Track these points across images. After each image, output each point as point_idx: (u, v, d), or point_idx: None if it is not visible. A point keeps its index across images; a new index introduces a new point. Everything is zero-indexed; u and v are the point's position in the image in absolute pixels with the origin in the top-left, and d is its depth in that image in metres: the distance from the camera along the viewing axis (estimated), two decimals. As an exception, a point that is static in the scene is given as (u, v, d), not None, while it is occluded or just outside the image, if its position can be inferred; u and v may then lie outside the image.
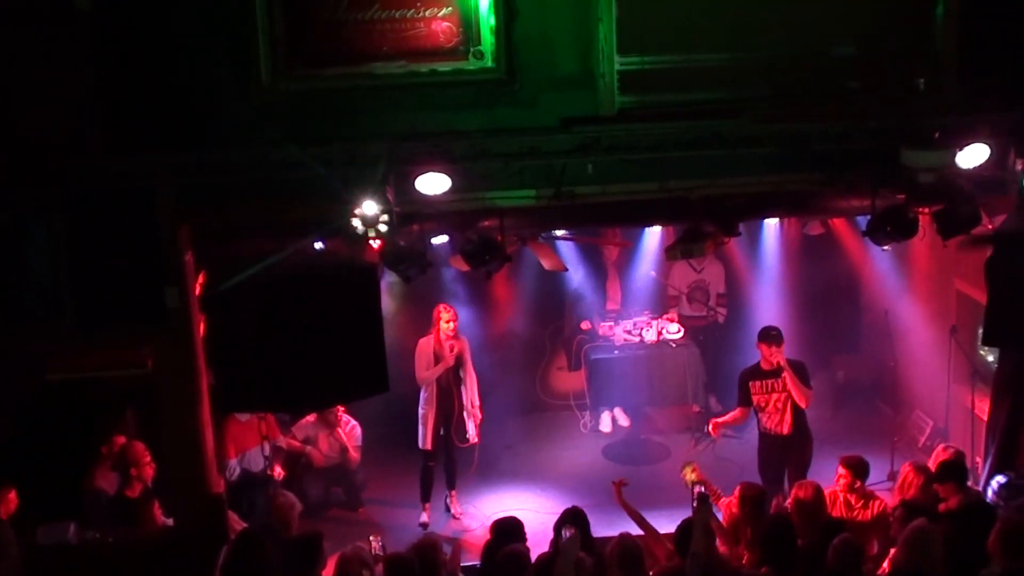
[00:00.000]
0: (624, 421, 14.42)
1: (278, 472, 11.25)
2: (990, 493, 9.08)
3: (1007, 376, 10.33)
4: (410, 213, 8.55)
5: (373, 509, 12.37)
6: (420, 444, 11.84)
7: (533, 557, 7.98)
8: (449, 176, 8.28)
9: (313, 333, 8.31)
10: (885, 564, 8.14)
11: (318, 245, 9.03)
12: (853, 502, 9.35)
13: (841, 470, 9.37)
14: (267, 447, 11.16)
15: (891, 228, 9.10)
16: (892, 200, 9.14)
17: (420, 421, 11.82)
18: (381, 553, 8.52)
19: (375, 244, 8.63)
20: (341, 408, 12.07)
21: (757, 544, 8.53)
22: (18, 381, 9.45)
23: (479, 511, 11.99)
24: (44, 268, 8.33)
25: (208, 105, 8.38)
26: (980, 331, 10.52)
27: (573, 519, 8.15)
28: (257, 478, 11.04)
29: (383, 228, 8.09)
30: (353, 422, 12.28)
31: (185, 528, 9.22)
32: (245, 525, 9.64)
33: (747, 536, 8.79)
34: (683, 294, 14.54)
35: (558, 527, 8.16)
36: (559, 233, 12.41)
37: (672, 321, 14.37)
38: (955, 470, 8.97)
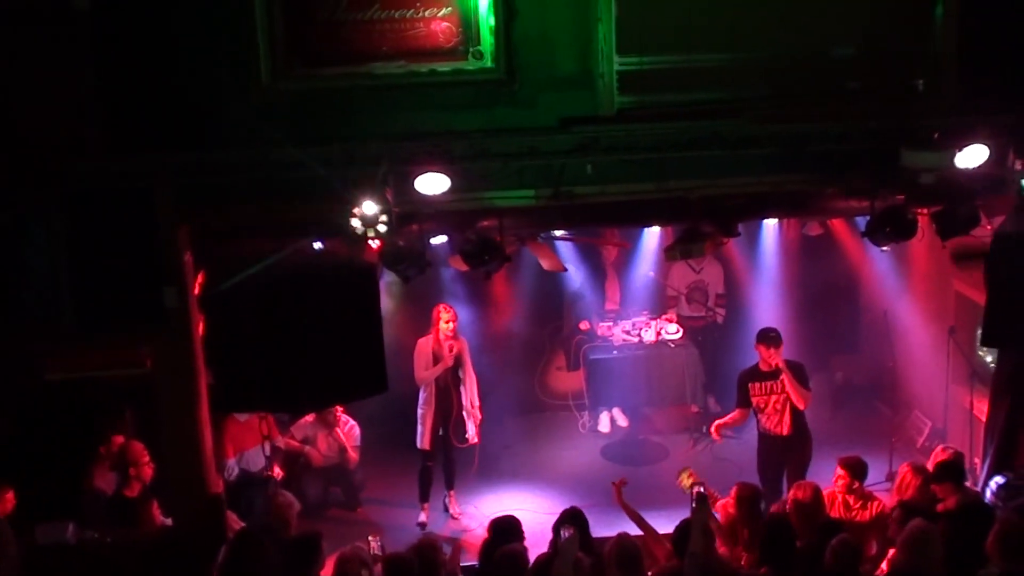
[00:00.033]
0: (623, 421, 14.43)
1: (276, 472, 11.24)
2: (988, 494, 9.08)
3: (1006, 377, 10.33)
4: (409, 213, 8.55)
5: (372, 509, 12.36)
6: (418, 444, 11.84)
7: (531, 557, 7.99)
8: (448, 176, 8.28)
9: (312, 333, 8.30)
10: (883, 565, 8.15)
11: (317, 245, 9.04)
12: (851, 503, 9.36)
13: (839, 471, 9.38)
14: (268, 447, 11.16)
15: (890, 229, 9.11)
16: (891, 201, 9.15)
17: (419, 421, 11.83)
18: (380, 553, 8.52)
19: (374, 244, 8.63)
20: (340, 408, 12.07)
21: (754, 544, 8.54)
22: (17, 381, 9.45)
23: (479, 511, 12.00)
24: (43, 268, 8.32)
25: (207, 105, 8.38)
26: (979, 332, 10.54)
27: (572, 520, 8.15)
28: (255, 478, 11.03)
29: (382, 228, 8.08)
30: (352, 422, 12.28)
31: (184, 528, 9.22)
32: (244, 525, 9.64)
33: (744, 536, 8.79)
34: (682, 294, 14.54)
35: (557, 527, 8.16)
36: (558, 233, 12.40)
37: (671, 321, 14.37)
38: (952, 470, 8.98)
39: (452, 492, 12.18)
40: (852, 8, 8.65)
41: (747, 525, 8.80)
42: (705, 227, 9.59)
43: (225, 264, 8.61)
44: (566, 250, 14.14)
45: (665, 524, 8.74)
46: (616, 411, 14.45)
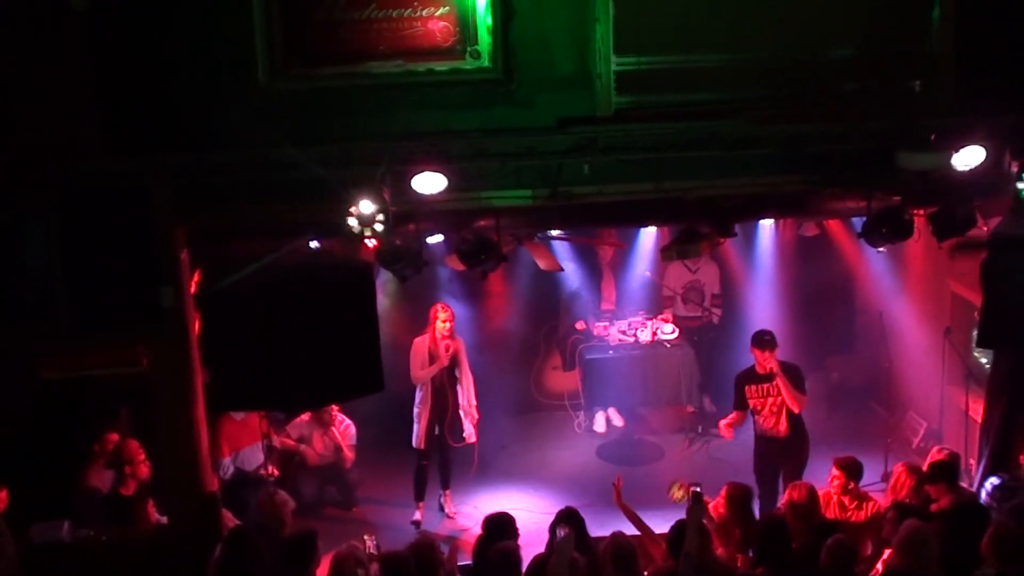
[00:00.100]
0: (618, 421, 14.42)
1: (272, 471, 11.24)
2: (984, 494, 9.09)
3: (1001, 378, 10.35)
4: (406, 212, 8.53)
5: (367, 508, 12.36)
6: (414, 443, 11.85)
7: (527, 556, 8.00)
8: (445, 176, 8.27)
9: (308, 332, 8.30)
10: (879, 565, 8.15)
11: (314, 244, 9.03)
12: (847, 503, 9.37)
13: (835, 471, 9.40)
14: (266, 445, 11.19)
15: (887, 230, 9.11)
16: (888, 202, 9.17)
17: (414, 420, 11.83)
18: (375, 552, 8.54)
19: (371, 243, 8.63)
20: (335, 407, 12.07)
21: (747, 544, 8.56)
22: (14, 379, 9.46)
23: (477, 511, 11.99)
24: (40, 267, 8.31)
25: (205, 105, 8.36)
26: (975, 333, 10.56)
27: (568, 519, 8.17)
28: (251, 477, 11.03)
29: (379, 227, 8.07)
30: (347, 421, 12.28)
31: (179, 527, 9.22)
32: (238, 523, 9.63)
33: (736, 537, 8.80)
34: (678, 294, 14.54)
35: (553, 528, 8.17)
36: (554, 233, 12.41)
37: (667, 321, 14.37)
38: (946, 471, 9.01)
39: (448, 491, 12.19)
40: (850, 9, 8.64)
41: (738, 525, 8.81)
42: (702, 227, 9.60)
43: (222, 263, 8.61)
44: (562, 250, 14.15)
45: (660, 524, 8.75)
46: (612, 411, 14.45)
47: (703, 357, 14.15)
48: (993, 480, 9.16)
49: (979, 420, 10.89)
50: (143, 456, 9.68)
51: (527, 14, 8.48)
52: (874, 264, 13.73)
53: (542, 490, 12.58)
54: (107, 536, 9.22)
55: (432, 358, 11.71)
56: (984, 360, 11.52)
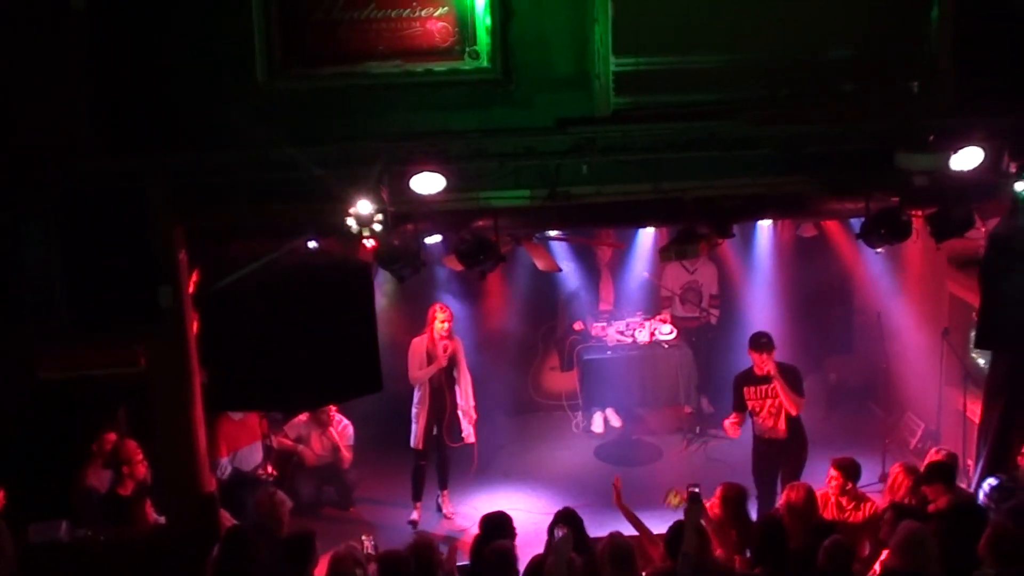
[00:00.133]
0: (616, 422, 14.43)
1: (269, 471, 11.24)
2: (982, 495, 9.08)
3: (999, 379, 10.35)
4: (405, 213, 8.53)
5: (365, 508, 12.37)
6: (412, 443, 11.85)
7: (525, 557, 8.00)
8: (444, 176, 8.27)
9: (307, 332, 8.29)
10: (876, 566, 8.15)
11: (312, 244, 9.03)
12: (844, 504, 9.38)
13: (832, 472, 9.40)
14: (266, 445, 11.20)
15: (885, 230, 9.11)
16: (886, 203, 9.16)
17: (412, 420, 11.83)
18: (373, 553, 8.55)
19: (369, 243, 8.63)
20: (333, 407, 12.07)
21: (743, 545, 8.55)
22: (12, 379, 9.44)
23: (475, 511, 11.98)
24: (39, 267, 8.29)
25: (203, 105, 8.35)
26: (972, 334, 10.56)
27: (566, 520, 8.17)
28: (249, 477, 11.03)
29: (377, 227, 8.07)
30: (345, 421, 12.27)
31: (177, 527, 9.22)
32: (236, 523, 9.63)
33: (733, 537, 8.79)
34: (676, 295, 14.54)
35: (552, 528, 8.17)
36: (553, 233, 12.41)
37: (665, 322, 14.38)
38: (943, 471, 9.01)
39: (445, 492, 12.19)
40: (848, 10, 8.64)
41: (733, 525, 8.81)
42: (700, 228, 9.59)
43: (220, 263, 8.60)
44: (561, 250, 14.16)
45: (658, 525, 8.76)
46: (610, 411, 14.46)
47: (701, 358, 14.16)
48: (991, 481, 9.15)
49: (977, 421, 10.90)
50: (141, 456, 9.69)
51: (526, 15, 8.48)
52: (872, 265, 13.74)
53: (540, 490, 12.59)
54: (105, 536, 9.23)
55: (430, 358, 11.70)
56: (982, 361, 11.52)
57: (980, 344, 10.22)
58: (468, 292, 13.96)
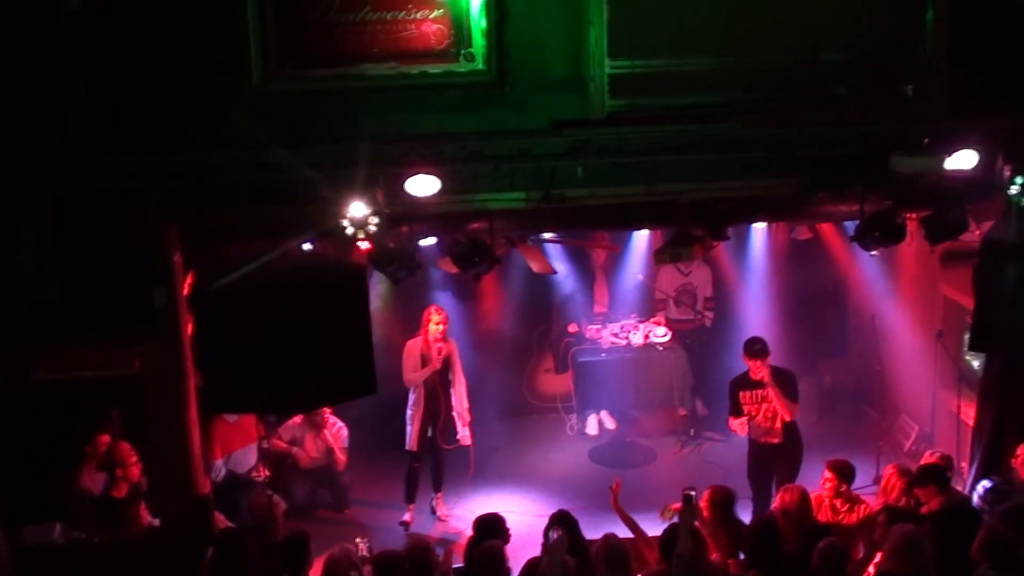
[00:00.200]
0: (610, 424, 14.44)
1: (263, 473, 11.23)
2: (976, 498, 9.11)
3: (993, 381, 10.36)
4: (399, 215, 8.54)
5: (359, 510, 12.36)
6: (407, 445, 11.84)
7: (520, 559, 8.00)
8: (439, 178, 8.26)
9: (301, 334, 8.28)
10: (870, 568, 8.16)
11: (307, 246, 9.02)
12: (839, 506, 9.38)
13: (827, 474, 9.40)
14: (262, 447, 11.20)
15: (879, 233, 9.12)
16: (880, 205, 9.16)
17: (407, 422, 11.82)
18: (368, 555, 8.54)
19: (364, 245, 8.62)
20: (328, 409, 12.06)
21: (733, 547, 8.55)
22: (5, 381, 9.41)
23: (471, 513, 11.95)
24: (32, 268, 8.28)
25: (198, 106, 8.35)
26: (966, 336, 10.56)
27: (561, 522, 8.16)
28: (243, 479, 11.02)
29: (372, 229, 8.07)
30: (339, 423, 12.26)
31: (171, 529, 9.20)
32: (229, 525, 9.63)
33: (723, 541, 8.78)
34: (670, 297, 14.55)
35: (547, 531, 8.17)
36: (548, 236, 12.41)
37: (659, 324, 14.41)
38: (935, 473, 9.01)
39: (440, 494, 12.18)
40: (843, 13, 8.66)
41: (722, 528, 8.80)
42: (695, 230, 9.60)
43: (214, 265, 8.58)
44: (555, 252, 14.16)
45: (653, 527, 8.75)
46: (604, 414, 14.47)
47: (695, 360, 14.18)
48: (985, 483, 9.18)
49: (971, 423, 10.90)
50: (135, 458, 9.67)
51: (521, 17, 8.48)
52: (866, 267, 13.75)
53: (534, 492, 12.59)
54: (99, 538, 9.22)
55: (425, 361, 11.70)
56: (976, 363, 11.54)
57: (974, 346, 10.22)
58: (463, 294, 13.97)
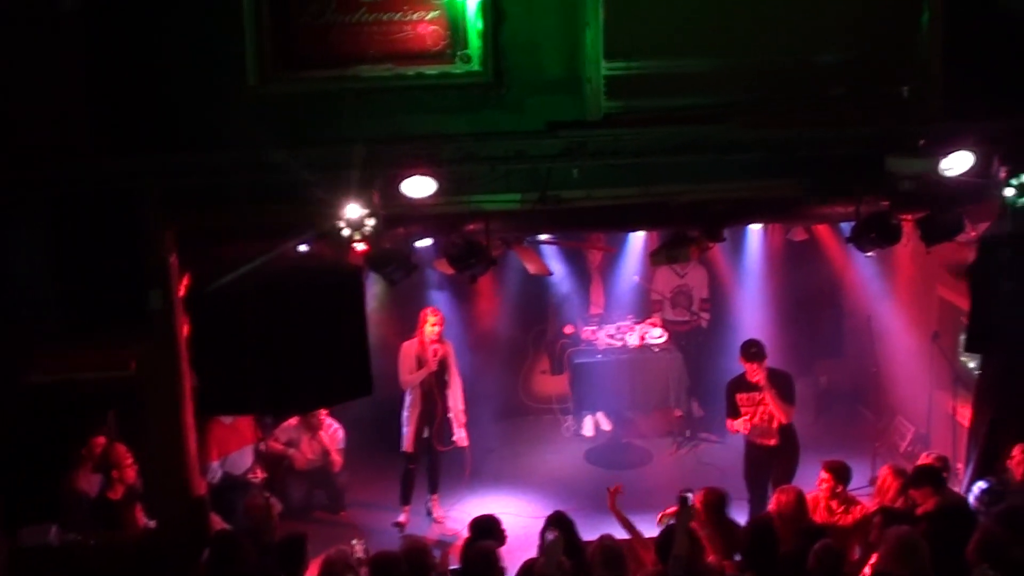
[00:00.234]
0: (606, 425, 14.44)
1: (259, 474, 11.23)
2: (972, 499, 9.10)
3: (989, 382, 10.37)
4: (396, 216, 8.53)
5: (355, 512, 12.34)
6: (403, 447, 11.84)
7: (516, 560, 7.99)
8: (435, 179, 8.27)
9: (297, 336, 8.28)
10: (866, 569, 8.16)
11: (303, 248, 9.02)
12: (835, 507, 9.37)
13: (823, 474, 9.39)
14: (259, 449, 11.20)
15: (875, 234, 9.13)
16: (876, 206, 9.18)
17: (403, 423, 11.82)
18: (364, 556, 8.53)
19: (360, 247, 8.62)
20: (324, 411, 12.05)
21: (727, 549, 8.54)
22: (1, 382, 9.40)
23: (467, 515, 11.93)
24: (28, 269, 8.28)
25: (194, 107, 8.35)
26: (962, 337, 10.58)
27: (558, 523, 8.16)
28: (239, 481, 11.01)
29: (368, 231, 8.07)
30: (336, 425, 12.25)
31: (167, 530, 9.20)
32: (225, 527, 9.62)
33: (717, 542, 8.77)
34: (666, 299, 14.55)
35: (543, 532, 8.17)
36: (543, 237, 12.41)
37: (655, 326, 14.40)
38: (930, 474, 9.02)
39: (435, 495, 12.17)
40: (838, 15, 8.67)
41: (716, 530, 8.80)
42: (691, 232, 9.61)
43: (210, 267, 8.57)
44: (551, 254, 14.15)
45: (649, 529, 8.76)
46: (600, 415, 14.46)
47: (691, 361, 14.18)
48: (981, 484, 9.17)
49: (967, 424, 10.91)
50: (130, 460, 9.67)
51: (517, 18, 8.49)
52: (862, 269, 13.76)
53: (530, 494, 12.58)
54: (95, 540, 9.20)
55: (420, 362, 11.69)
56: (972, 364, 11.54)
57: (970, 348, 10.25)
58: (459, 296, 13.96)
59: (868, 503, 9.64)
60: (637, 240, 14.47)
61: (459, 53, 8.46)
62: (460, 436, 11.96)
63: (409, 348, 11.73)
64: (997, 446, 10.09)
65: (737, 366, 11.06)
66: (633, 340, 14.20)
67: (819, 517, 9.26)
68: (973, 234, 9.69)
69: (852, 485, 9.69)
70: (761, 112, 8.61)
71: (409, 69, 8.46)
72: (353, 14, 8.37)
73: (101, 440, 9.97)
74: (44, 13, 7.96)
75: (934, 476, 8.99)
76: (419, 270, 9.84)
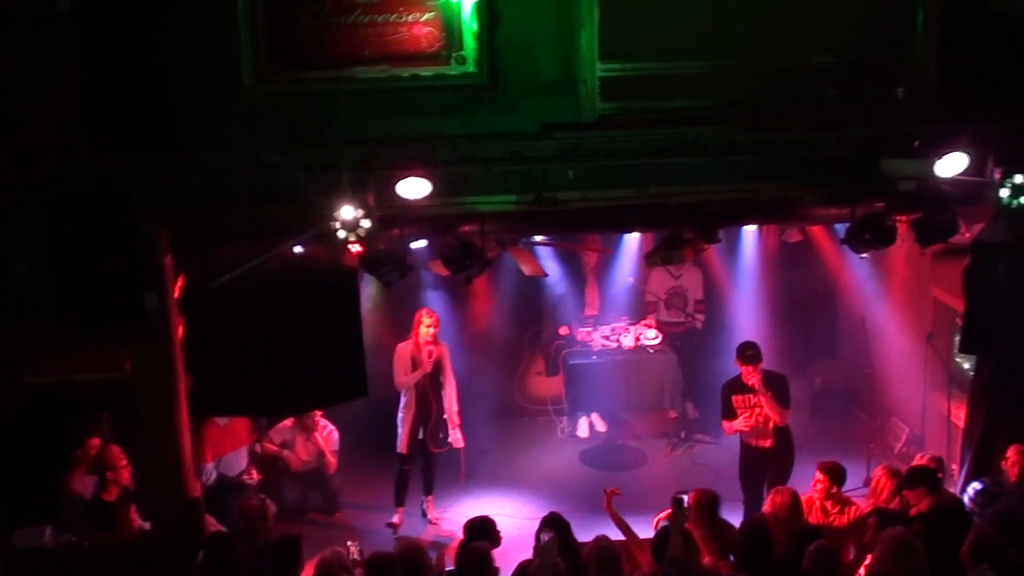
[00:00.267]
0: (601, 427, 14.44)
1: (254, 476, 11.22)
2: (966, 500, 9.12)
3: (983, 383, 10.37)
4: (391, 217, 8.52)
5: (350, 513, 12.33)
6: (397, 448, 11.83)
7: (511, 562, 7.99)
8: (430, 181, 8.26)
9: (292, 337, 8.27)
10: (861, 570, 8.16)
11: (298, 249, 9.01)
12: (829, 508, 9.38)
13: (818, 475, 9.40)
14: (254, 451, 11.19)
15: (870, 236, 9.13)
16: (871, 208, 9.18)
17: (398, 425, 11.81)
18: (359, 558, 8.53)
19: (355, 248, 8.61)
20: (318, 412, 12.04)
21: (721, 550, 8.54)
22: (-5, 384, 9.41)
23: (462, 516, 11.92)
24: (22, 270, 8.27)
25: (189, 108, 8.35)
26: (957, 338, 10.58)
27: (553, 525, 8.16)
28: (234, 482, 11.00)
29: (363, 232, 8.07)
30: (330, 427, 12.24)
31: (162, 532, 9.18)
32: (219, 529, 9.61)
33: (710, 543, 8.77)
34: (661, 300, 14.55)
35: (539, 533, 8.17)
36: (539, 238, 12.41)
37: (650, 327, 14.40)
38: (925, 475, 9.02)
39: (430, 497, 12.16)
40: (833, 16, 8.67)
41: (708, 530, 8.80)
42: (686, 233, 9.60)
43: (205, 268, 8.57)
44: (547, 255, 14.15)
45: (645, 530, 8.76)
46: (595, 416, 14.47)
47: (686, 363, 14.17)
48: (976, 485, 9.18)
49: (961, 425, 10.91)
50: (125, 461, 9.66)
51: (512, 20, 8.49)
52: (857, 270, 13.77)
53: (525, 495, 12.57)
54: (90, 542, 9.20)
55: (415, 364, 11.68)
56: (966, 365, 11.56)
57: (964, 348, 10.24)
58: (454, 297, 13.95)
59: (863, 504, 9.65)
60: (632, 241, 14.49)
61: (454, 54, 8.47)
62: (455, 437, 11.96)
63: (404, 349, 11.72)
64: (992, 447, 10.11)
65: (732, 367, 11.06)
66: (628, 341, 14.20)
67: (814, 518, 9.27)
68: (968, 235, 9.69)
69: (847, 486, 9.70)
70: (756, 114, 8.61)
71: (404, 70, 8.46)
72: (349, 15, 8.37)
73: (96, 442, 9.96)
74: (42, 13, 7.95)
75: (929, 477, 8.99)
76: (414, 271, 9.84)
